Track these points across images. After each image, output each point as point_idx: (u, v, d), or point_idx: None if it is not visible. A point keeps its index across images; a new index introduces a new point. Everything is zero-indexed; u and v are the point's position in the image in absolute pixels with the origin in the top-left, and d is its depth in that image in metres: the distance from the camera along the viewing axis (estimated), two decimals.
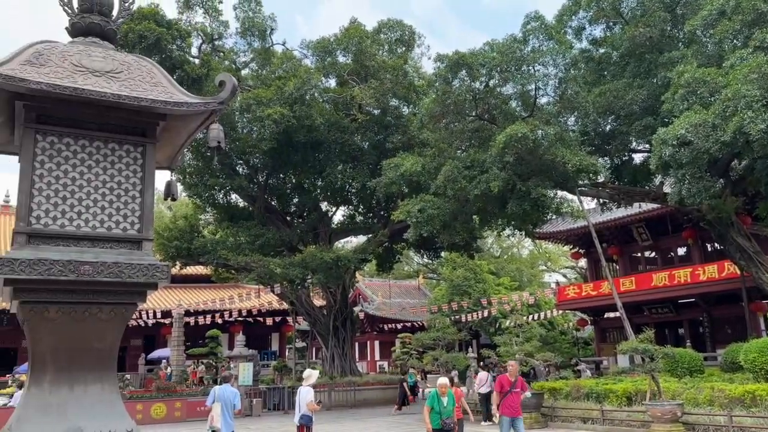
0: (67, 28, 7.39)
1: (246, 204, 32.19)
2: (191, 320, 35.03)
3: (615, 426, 16.96)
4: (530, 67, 20.95)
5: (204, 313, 36.51)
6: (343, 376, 30.80)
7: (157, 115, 7.08)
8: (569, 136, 20.54)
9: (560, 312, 39.09)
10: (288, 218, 33.16)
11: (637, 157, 24.22)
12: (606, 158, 23.45)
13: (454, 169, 20.16)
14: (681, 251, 31.60)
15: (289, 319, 37.95)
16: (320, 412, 13.04)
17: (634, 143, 22.72)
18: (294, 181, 31.86)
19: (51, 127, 6.73)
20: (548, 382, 22.05)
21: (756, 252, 20.62)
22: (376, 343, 46.61)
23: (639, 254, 33.69)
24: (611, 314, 33.06)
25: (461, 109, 21.14)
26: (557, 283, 38.49)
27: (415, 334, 35.42)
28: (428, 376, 32.68)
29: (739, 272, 23.11)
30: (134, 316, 23.95)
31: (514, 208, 20.21)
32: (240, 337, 31.29)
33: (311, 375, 12.56)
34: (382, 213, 31.86)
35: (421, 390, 29.88)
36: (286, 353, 43.62)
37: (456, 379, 22.73)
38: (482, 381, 21.43)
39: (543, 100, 22.44)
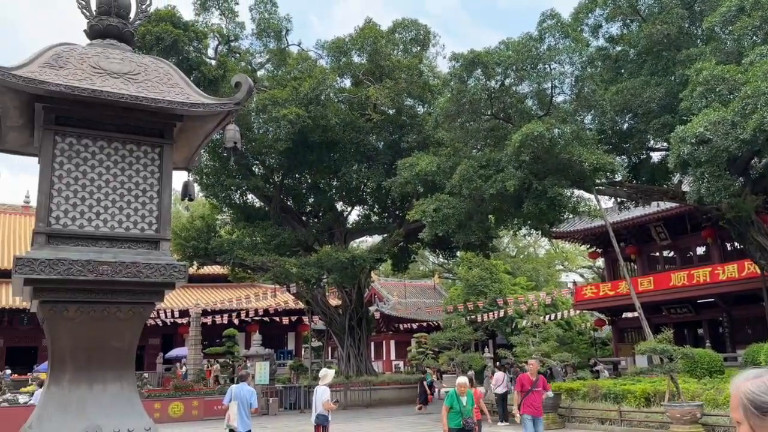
0: (85, 31, 7.47)
1: (262, 204, 32.34)
2: (208, 319, 35.28)
3: (633, 427, 16.81)
4: (546, 66, 20.82)
5: (221, 312, 36.75)
6: (358, 376, 30.84)
7: (175, 116, 7.14)
8: (586, 134, 20.38)
9: (577, 312, 38.80)
10: (303, 218, 33.27)
11: (655, 156, 23.99)
12: (623, 157, 23.26)
13: (470, 169, 20.10)
14: (700, 250, 31.25)
15: (305, 318, 38.07)
16: (336, 412, 13.07)
17: (651, 141, 22.51)
18: (309, 181, 31.97)
19: (70, 129, 6.80)
20: (565, 382, 21.93)
21: None
22: (392, 342, 46.59)
23: (657, 254, 33.37)
24: (629, 314, 32.78)
25: (476, 108, 21.07)
26: (574, 283, 38.18)
27: (430, 334, 35.42)
28: (444, 376, 32.66)
29: (759, 272, 22.82)
30: (152, 316, 24.15)
31: (531, 208, 20.10)
32: (256, 337, 31.46)
33: (327, 374, 12.59)
34: (397, 213, 31.86)
35: (437, 390, 29.84)
36: (302, 352, 43.77)
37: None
38: (498, 381, 21.35)
39: (559, 99, 22.31)
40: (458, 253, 36.53)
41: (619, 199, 24.83)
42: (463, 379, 11.24)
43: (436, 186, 21.91)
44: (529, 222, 22.67)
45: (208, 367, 33.12)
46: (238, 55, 29.68)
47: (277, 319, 39.26)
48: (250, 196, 32.61)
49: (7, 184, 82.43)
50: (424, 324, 43.28)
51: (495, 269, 41.83)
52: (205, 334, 34.05)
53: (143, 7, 7.65)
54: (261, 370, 28.23)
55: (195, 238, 29.76)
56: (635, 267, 33.52)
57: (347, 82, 30.27)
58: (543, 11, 21.35)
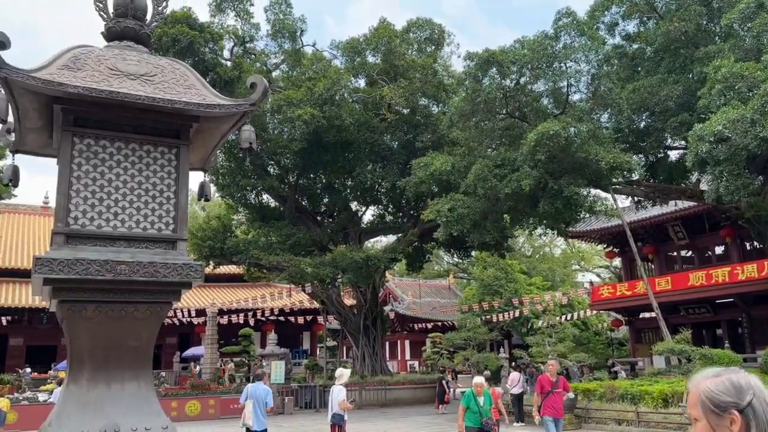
0: (102, 33, 7.53)
1: (277, 204, 32.46)
2: (224, 319, 35.45)
3: (651, 428, 16.66)
4: (562, 64, 20.71)
5: (237, 311, 36.92)
6: (373, 376, 30.85)
7: (191, 117, 7.18)
8: (602, 133, 20.25)
9: (594, 312, 38.48)
10: (318, 218, 33.35)
11: (673, 154, 23.79)
12: (640, 155, 23.08)
13: (485, 168, 20.04)
14: (719, 250, 30.90)
15: (320, 318, 38.13)
16: (351, 411, 13.10)
17: (669, 140, 22.32)
18: (324, 181, 32.03)
19: (88, 130, 6.87)
20: (582, 383, 21.79)
21: None
22: (407, 342, 46.55)
23: (675, 253, 33.04)
24: (646, 314, 32.46)
25: (491, 107, 21.01)
26: (591, 283, 37.93)
27: (445, 334, 35.37)
28: (459, 376, 32.59)
29: None
30: (169, 315, 24.34)
31: (546, 207, 20.00)
32: (272, 336, 31.57)
33: (343, 374, 12.61)
34: (411, 212, 31.82)
35: (452, 390, 29.81)
36: (317, 352, 43.86)
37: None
38: (514, 381, 21.26)
39: (575, 97, 22.21)
40: (473, 253, 36.38)
41: (636, 198, 24.64)
42: (479, 379, 11.17)
43: (451, 185, 21.88)
44: (544, 221, 22.56)
45: (221, 366, 33.29)
46: (253, 56, 29.81)
47: (293, 318, 39.37)
48: (265, 197, 32.75)
49: (26, 185, 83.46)
50: (439, 324, 43.19)
51: (510, 269, 41.61)
52: (222, 334, 34.24)
53: (159, 9, 7.71)
54: (276, 370, 28.34)
55: (211, 238, 29.94)
56: (652, 267, 33.22)
57: (362, 82, 30.30)
58: (558, 9, 21.26)
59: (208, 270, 29.54)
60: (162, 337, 33.99)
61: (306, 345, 46.02)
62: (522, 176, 18.98)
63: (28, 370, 31.91)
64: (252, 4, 28.66)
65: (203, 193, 8.30)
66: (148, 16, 7.68)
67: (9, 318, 33.61)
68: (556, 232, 26.03)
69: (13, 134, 7.23)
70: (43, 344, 36.55)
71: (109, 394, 6.75)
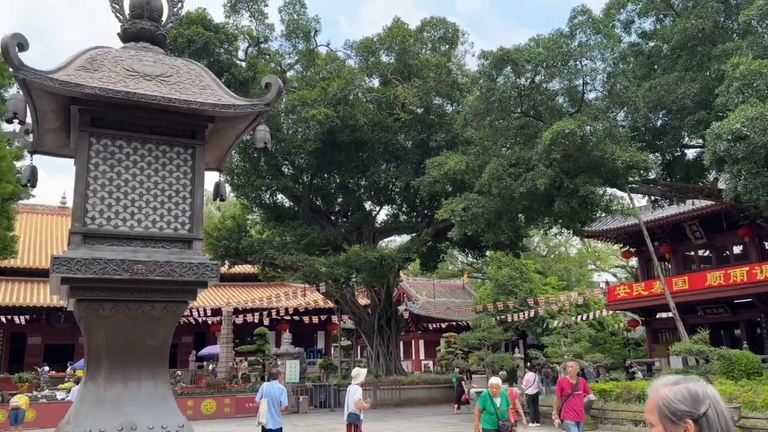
0: (118, 34, 7.59)
1: (291, 204, 32.57)
2: (239, 318, 35.63)
3: None
4: (577, 62, 20.58)
5: (252, 311, 37.09)
6: (388, 375, 30.86)
7: (206, 118, 7.22)
8: (618, 131, 20.10)
9: (610, 312, 38.24)
10: (332, 218, 33.41)
11: (690, 153, 23.56)
12: (657, 154, 22.88)
13: (499, 167, 19.97)
14: (737, 249, 30.57)
15: (335, 317, 38.22)
16: (366, 411, 13.09)
17: (686, 138, 22.10)
18: (338, 180, 32.09)
19: (104, 130, 6.92)
20: (598, 383, 21.64)
21: None
22: (421, 342, 46.50)
23: (692, 253, 32.73)
24: (663, 314, 32.22)
25: (506, 105, 20.92)
26: (607, 283, 37.68)
27: (460, 334, 35.23)
28: (474, 376, 32.49)
29: None
30: (185, 314, 24.50)
31: (562, 206, 19.89)
32: (287, 335, 31.69)
33: (360, 374, 12.61)
34: (425, 212, 31.79)
35: (467, 390, 29.74)
36: (332, 351, 43.95)
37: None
38: (529, 382, 21.17)
39: (591, 96, 22.04)
40: (487, 253, 36.29)
41: (652, 198, 24.43)
42: (495, 380, 11.08)
43: (465, 185, 21.82)
44: (560, 221, 22.43)
45: (234, 365, 33.41)
46: (267, 56, 29.93)
47: (307, 318, 39.49)
48: (279, 196, 32.88)
49: (43, 185, 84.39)
50: (453, 324, 43.09)
51: (525, 269, 41.44)
52: (237, 333, 34.42)
53: (175, 10, 7.75)
54: (291, 369, 28.43)
55: (226, 238, 30.11)
56: (669, 266, 32.94)
57: (375, 82, 30.33)
58: (574, 7, 21.12)
59: (223, 269, 29.70)
60: (178, 336, 34.24)
61: (320, 344, 46.13)
62: (537, 175, 18.89)
63: (47, 368, 32.27)
64: (266, 5, 28.77)
65: (218, 193, 8.34)
66: (164, 17, 7.73)
67: (27, 317, 34.01)
68: (571, 232, 25.89)
69: (31, 135, 7.31)
70: (61, 343, 36.96)
71: (126, 392, 6.80)
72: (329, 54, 29.86)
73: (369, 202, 33.28)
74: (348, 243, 30.26)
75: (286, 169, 31.25)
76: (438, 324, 44.25)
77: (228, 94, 7.38)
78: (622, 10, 22.66)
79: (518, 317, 36.31)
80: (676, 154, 23.21)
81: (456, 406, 25.83)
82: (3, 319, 32.65)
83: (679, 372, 23.50)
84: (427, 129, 28.43)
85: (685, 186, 22.70)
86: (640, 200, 27.55)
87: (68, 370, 31.61)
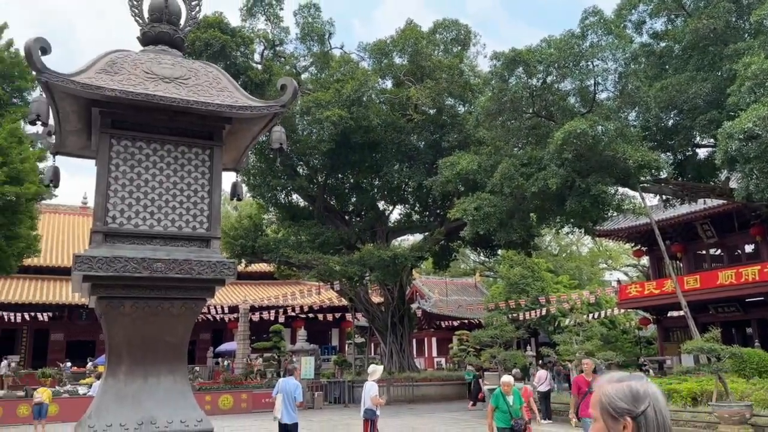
0: (138, 37, 7.65)
1: (306, 204, 32.66)
2: (256, 316, 35.81)
3: (679, 427, 16.37)
4: (589, 63, 20.45)
5: (268, 308, 37.27)
6: (401, 372, 30.87)
7: (224, 119, 7.25)
8: (630, 131, 19.94)
9: (622, 311, 37.98)
10: (346, 217, 33.45)
11: (702, 152, 23.31)
12: (668, 154, 22.69)
13: (511, 167, 19.90)
14: (748, 248, 30.24)
15: (348, 315, 38.26)
16: (381, 407, 13.08)
17: (698, 138, 21.88)
18: (352, 180, 32.12)
19: (125, 132, 6.97)
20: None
21: None
22: (434, 339, 46.45)
23: (704, 252, 32.42)
24: (675, 313, 31.93)
25: (518, 106, 20.84)
26: (618, 282, 37.45)
27: (472, 332, 35.11)
28: (486, 373, 32.39)
29: None
30: (203, 311, 24.65)
31: (573, 206, 19.77)
32: (302, 332, 31.77)
33: (376, 370, 12.63)
34: (438, 211, 31.74)
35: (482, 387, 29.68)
36: (346, 348, 44.00)
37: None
38: (541, 379, 21.08)
39: (602, 96, 21.90)
40: (499, 252, 36.15)
41: (664, 197, 24.22)
42: (507, 378, 10.99)
43: (477, 185, 21.76)
44: (571, 220, 22.29)
45: (249, 362, 33.51)
46: (282, 59, 30.02)
47: (321, 315, 39.59)
48: (294, 196, 32.97)
49: (65, 186, 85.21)
50: (466, 321, 42.99)
51: (537, 267, 41.23)
52: (253, 330, 34.58)
53: (193, 14, 7.80)
54: (306, 365, 28.51)
55: (243, 237, 30.26)
56: (681, 265, 32.66)
57: (388, 83, 30.32)
58: (585, 8, 20.99)
59: (240, 268, 29.85)
60: (196, 332, 34.45)
61: (335, 341, 46.23)
62: (549, 175, 18.79)
63: (69, 364, 32.60)
64: (282, 9, 28.88)
65: (235, 193, 8.37)
66: (182, 21, 7.78)
67: (50, 314, 34.39)
68: (583, 231, 25.70)
69: (53, 137, 7.38)
70: (83, 339, 37.33)
71: (146, 387, 6.85)
72: (343, 56, 29.90)
73: (382, 202, 33.29)
74: (362, 242, 30.30)
75: (300, 170, 31.34)
76: (450, 322, 44.17)
77: (244, 95, 7.41)
78: (633, 11, 22.49)
79: (530, 315, 36.13)
80: (687, 153, 22.99)
81: (472, 402, 25.76)
82: (27, 316, 33.02)
83: (691, 370, 23.36)
84: (439, 129, 28.39)
85: (697, 185, 22.48)
86: (652, 199, 27.31)
87: (89, 365, 31.92)
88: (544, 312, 35.86)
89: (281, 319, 37.08)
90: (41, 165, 22.80)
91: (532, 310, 36.03)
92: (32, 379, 28.76)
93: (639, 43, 22.70)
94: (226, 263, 6.93)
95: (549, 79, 20.80)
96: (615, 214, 24.05)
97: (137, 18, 7.55)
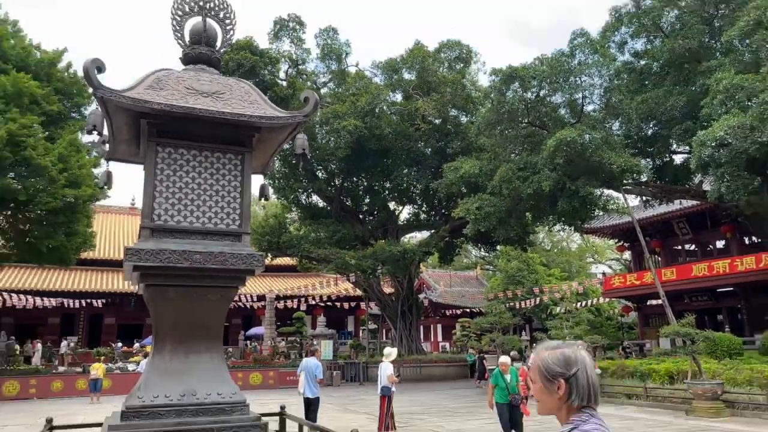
0: (180, 58, 7.73)
1: (325, 204, 32.72)
2: (281, 304, 35.95)
3: (658, 402, 16.31)
4: (577, 78, 20.40)
5: (291, 297, 37.40)
6: (410, 355, 30.86)
7: (254, 128, 7.32)
8: (614, 139, 19.84)
9: (606, 300, 37.74)
10: (360, 216, 33.47)
11: (678, 158, 23.16)
12: (648, 159, 22.55)
13: (509, 171, 19.86)
14: (720, 244, 29.98)
15: (363, 304, 38.29)
16: (395, 384, 13.11)
17: (674, 145, 21.74)
18: (365, 183, 32.15)
19: (169, 140, 7.05)
20: (596, 362, 21.42)
21: None
22: (439, 326, 46.38)
23: (679, 247, 32.19)
24: (654, 302, 31.72)
25: (514, 117, 20.80)
26: (603, 274, 37.19)
27: (473, 319, 35.11)
28: (486, 355, 32.36)
29: None
30: (235, 299, 24.80)
31: (564, 206, 19.71)
32: (321, 319, 31.87)
33: (391, 353, 12.70)
34: (443, 211, 31.71)
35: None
36: (360, 334, 44.02)
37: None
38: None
39: (589, 108, 21.80)
40: (498, 247, 36.01)
41: (644, 198, 24.10)
42: (505, 359, 11.03)
43: (479, 187, 21.74)
44: (562, 219, 22.22)
45: (275, 344, 33.54)
46: (304, 76, 30.10)
47: (339, 304, 39.66)
48: (314, 197, 33.04)
49: (116, 189, 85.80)
50: (468, 310, 42.91)
51: (531, 261, 41.07)
52: (278, 316, 34.71)
53: (227, 37, 7.89)
54: (326, 348, 28.61)
55: (269, 234, 30.38)
56: (659, 259, 32.42)
57: (398, 96, 30.31)
58: (573, 30, 20.92)
59: (266, 261, 29.92)
60: (229, 318, 34.55)
61: (350, 327, 46.26)
62: (542, 178, 18.75)
63: (119, 344, 32.92)
64: (304, 32, 28.96)
65: (263, 194, 8.45)
66: (218, 44, 7.87)
67: (104, 301, 34.74)
68: (572, 228, 25.61)
69: (107, 145, 7.49)
70: (132, 323, 37.67)
71: (187, 364, 6.94)
72: (358, 73, 29.94)
73: (393, 203, 33.29)
74: (374, 238, 30.35)
75: (320, 174, 31.41)
76: (454, 310, 44.11)
77: (272, 107, 7.48)
78: (616, 33, 22.36)
79: (525, 304, 36.01)
80: (665, 159, 22.84)
81: (478, 381, 25.69)
82: (84, 303, 33.38)
83: (668, 352, 23.22)
84: (444, 137, 28.37)
85: (673, 188, 22.33)
86: (633, 200, 27.12)
87: (136, 346, 32.22)
88: (537, 301, 35.75)
89: (303, 307, 37.20)
90: (96, 170, 23.04)
91: (527, 299, 35.91)
92: (88, 357, 29.11)
93: (621, 61, 22.56)
94: (255, 255, 7.01)
95: (542, 92, 20.74)
96: (601, 213, 23.93)
97: (179, 41, 7.64)
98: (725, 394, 14.29)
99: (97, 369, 22.13)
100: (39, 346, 29.26)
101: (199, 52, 7.65)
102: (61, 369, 26.90)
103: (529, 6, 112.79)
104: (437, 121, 28.19)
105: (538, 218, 23.25)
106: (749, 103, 15.26)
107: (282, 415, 10.94)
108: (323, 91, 30.58)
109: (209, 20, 7.75)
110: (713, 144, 15.19)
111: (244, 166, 7.41)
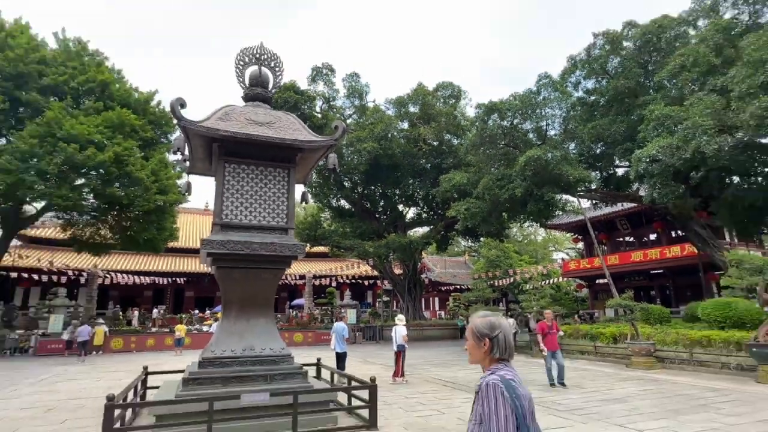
0: (242, 96, 7.80)
1: (350, 206, 32.74)
2: (317, 281, 36.04)
3: (604, 357, 16.14)
4: (542, 110, 20.22)
5: (324, 276, 37.52)
6: (414, 320, 30.81)
7: (297, 149, 7.37)
8: (571, 157, 19.65)
9: (565, 279, 37.35)
10: (377, 215, 33.45)
11: (620, 171, 22.83)
12: (597, 172, 22.28)
13: (490, 181, 19.76)
14: (652, 236, 29.59)
15: (378, 282, 38.32)
16: (408, 342, 13.12)
17: (617, 161, 21.45)
18: (380, 191, 32.09)
19: (233, 158, 7.13)
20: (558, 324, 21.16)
21: (709, 237, 19.04)
22: (436, 299, 46.26)
23: (621, 239, 31.79)
24: (601, 281, 31.38)
25: (494, 140, 20.68)
26: (562, 259, 36.83)
27: (462, 293, 34.91)
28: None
29: (696, 251, 21.41)
30: (282, 278, 24.97)
31: (532, 207, 19.56)
32: (347, 293, 31.90)
33: (402, 318, 12.73)
34: (439, 212, 31.59)
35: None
36: (377, 304, 44.02)
37: None
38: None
39: (551, 133, 21.59)
40: (481, 239, 35.76)
41: (594, 201, 23.83)
42: None
43: (467, 193, 21.65)
44: (531, 217, 22.05)
45: (312, 312, 33.47)
46: (334, 110, 30.14)
47: (360, 281, 39.71)
48: (342, 201, 33.03)
49: (194, 195, 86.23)
50: (458, 287, 42.71)
51: (507, 250, 40.62)
52: (315, 291, 34.79)
53: (277, 81, 7.94)
54: (350, 315, 28.66)
55: (308, 228, 30.46)
56: (605, 248, 32.04)
57: (405, 125, 30.21)
58: (539, 74, 20.80)
59: (306, 249, 30.01)
60: (278, 292, 34.72)
61: (369, 300, 46.29)
62: (515, 186, 18.62)
63: (196, 311, 33.23)
64: (334, 77, 29.01)
65: (304, 199, 8.50)
66: (270, 85, 7.94)
67: (185, 279, 35.10)
68: (539, 225, 25.36)
69: (187, 162, 7.60)
70: (206, 295, 38.02)
71: (247, 327, 7.02)
72: (375, 107, 29.90)
73: (401, 205, 33.21)
74: (387, 232, 30.30)
75: (346, 183, 31.44)
76: (447, 287, 43.95)
77: (311, 134, 7.53)
78: (572, 75, 22.12)
79: (502, 282, 35.69)
80: (610, 172, 22.56)
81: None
82: (170, 281, 33.77)
83: (612, 319, 22.89)
84: (440, 156, 28.27)
85: (617, 193, 22.06)
86: (585, 203, 26.84)
87: (207, 313, 32.49)
88: (512, 280, 35.43)
89: (333, 284, 37.32)
90: (179, 181, 23.26)
91: (503, 278, 35.60)
92: (173, 321, 29.44)
93: (576, 96, 22.32)
94: (298, 245, 7.06)
95: (515, 121, 20.59)
96: (560, 213, 23.71)
97: (241, 84, 7.71)
98: (657, 352, 14.10)
99: (180, 330, 22.38)
100: (137, 312, 29.64)
101: (256, 92, 7.72)
102: (153, 330, 27.26)
103: (499, 48, 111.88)
104: (435, 143, 28.10)
105: (512, 217, 23.11)
106: (675, 129, 15.02)
107: (318, 365, 10.99)
108: (348, 121, 30.59)
109: (263, 68, 7.81)
110: (647, 160, 14.98)
111: (289, 178, 7.47)
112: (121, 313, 28.58)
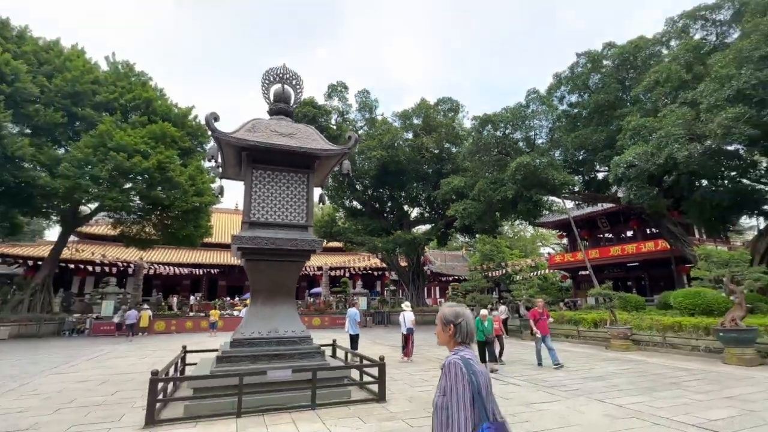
0: (267, 111, 7.82)
1: (361, 207, 32.73)
2: (333, 272, 36.04)
3: (586, 341, 15.97)
4: (531, 122, 20.07)
5: (339, 268, 37.52)
6: (417, 307, 30.74)
7: (315, 157, 7.38)
8: (556, 163, 19.48)
9: (551, 271, 37.08)
10: (384, 215, 33.40)
11: (600, 175, 22.62)
12: (580, 176, 22.08)
13: (484, 184, 19.66)
14: (629, 233, 29.23)
15: (386, 273, 38.28)
16: (415, 326, 13.11)
17: (598, 166, 21.26)
18: (388, 193, 32.04)
19: (260, 165, 7.15)
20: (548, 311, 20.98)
21: (680, 233, 18.77)
22: (437, 288, 46.04)
23: (601, 235, 31.45)
24: (583, 272, 31.09)
25: (488, 148, 20.56)
26: (549, 254, 36.56)
27: (460, 283, 34.73)
28: (468, 308, 31.97)
29: (669, 246, 21.11)
30: (303, 269, 25.02)
31: (522, 207, 19.44)
32: (359, 283, 31.95)
33: (408, 305, 12.73)
34: (440, 211, 31.48)
35: None
36: (385, 293, 43.92)
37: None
38: (502, 312, 20.76)
39: (539, 141, 21.42)
40: (477, 235, 35.63)
41: (577, 202, 23.62)
42: (484, 312, 10.96)
43: (464, 195, 21.57)
44: (521, 216, 21.93)
45: (328, 299, 33.45)
46: (348, 122, 30.13)
47: (371, 272, 39.65)
48: (354, 202, 33.04)
49: (226, 196, 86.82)
50: (456, 277, 42.51)
51: (499, 245, 40.50)
52: (331, 281, 34.78)
53: (298, 97, 7.96)
54: (362, 302, 28.66)
55: (324, 226, 30.49)
56: (587, 243, 31.72)
57: (410, 135, 30.11)
58: (528, 89, 20.59)
59: (323, 244, 30.01)
60: (299, 281, 34.69)
61: (378, 288, 46.21)
62: (507, 189, 18.51)
63: (228, 298, 33.38)
64: (348, 93, 29.01)
65: (321, 200, 8.52)
66: (292, 101, 7.96)
67: (218, 270, 35.29)
68: (528, 223, 25.25)
69: (220, 168, 7.65)
70: (236, 284, 38.15)
71: (273, 312, 7.05)
72: (383, 119, 29.86)
73: (406, 206, 33.12)
74: (394, 230, 30.25)
75: (358, 187, 31.43)
76: (447, 278, 43.77)
77: (327, 143, 7.54)
78: (558, 90, 21.93)
79: (495, 274, 35.53)
80: (591, 176, 22.34)
81: None
82: (205, 271, 33.99)
83: (593, 307, 22.65)
84: (441, 162, 28.16)
85: (597, 195, 21.83)
86: (569, 204, 26.61)
87: (237, 299, 32.67)
88: (503, 272, 35.25)
89: (347, 274, 37.32)
90: (213, 185, 23.44)
91: (496, 270, 35.44)
92: (208, 307, 29.60)
93: (561, 109, 22.13)
94: (316, 240, 7.08)
95: (507, 131, 20.46)
96: (547, 212, 23.51)
97: (266, 100, 7.73)
98: (633, 336, 13.93)
99: (214, 314, 22.55)
100: (176, 299, 29.92)
101: (280, 107, 7.75)
102: (190, 314, 27.47)
103: (493, 67, 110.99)
104: (436, 151, 28.01)
105: (504, 216, 22.98)
106: (650, 137, 14.83)
107: (334, 345, 11.01)
108: (360, 132, 30.57)
109: (286, 86, 7.84)
110: (625, 165, 14.81)
111: (309, 182, 7.48)
112: (162, 299, 28.87)
